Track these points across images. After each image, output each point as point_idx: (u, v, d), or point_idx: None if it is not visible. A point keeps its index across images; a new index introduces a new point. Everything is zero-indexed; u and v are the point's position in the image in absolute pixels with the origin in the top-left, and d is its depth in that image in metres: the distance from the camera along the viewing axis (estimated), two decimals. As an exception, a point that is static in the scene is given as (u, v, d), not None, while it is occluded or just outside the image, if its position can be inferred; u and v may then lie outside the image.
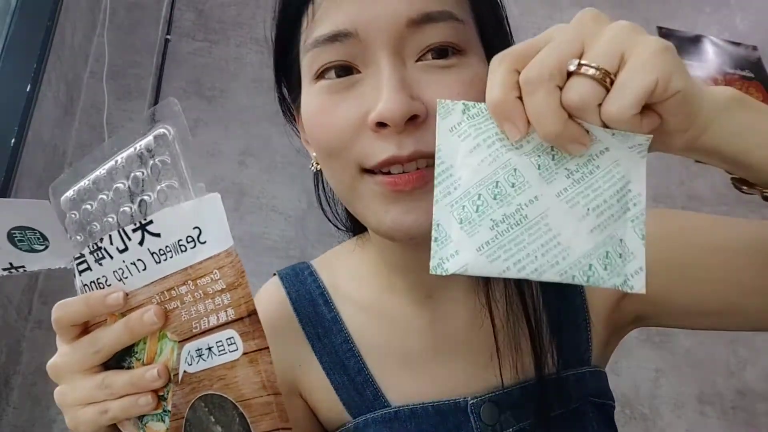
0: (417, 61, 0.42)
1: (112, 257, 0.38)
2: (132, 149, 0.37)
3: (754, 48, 2.41)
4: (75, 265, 0.40)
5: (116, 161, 0.38)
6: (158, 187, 0.36)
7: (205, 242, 0.35)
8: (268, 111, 1.78)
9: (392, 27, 0.41)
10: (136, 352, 0.38)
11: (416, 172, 0.41)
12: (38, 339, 1.33)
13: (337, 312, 0.55)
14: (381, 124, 0.40)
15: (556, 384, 0.51)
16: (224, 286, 0.35)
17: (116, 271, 0.38)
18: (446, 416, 0.50)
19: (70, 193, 0.40)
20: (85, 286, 0.39)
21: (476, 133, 0.34)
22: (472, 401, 0.50)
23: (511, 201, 0.33)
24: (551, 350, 0.51)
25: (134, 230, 0.36)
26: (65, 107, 1.47)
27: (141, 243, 0.36)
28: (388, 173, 0.42)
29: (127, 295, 0.38)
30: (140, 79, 1.64)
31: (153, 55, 1.68)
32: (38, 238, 0.39)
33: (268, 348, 0.35)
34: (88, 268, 0.39)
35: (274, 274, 0.61)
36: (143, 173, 0.37)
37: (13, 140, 1.19)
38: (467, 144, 0.34)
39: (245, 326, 0.34)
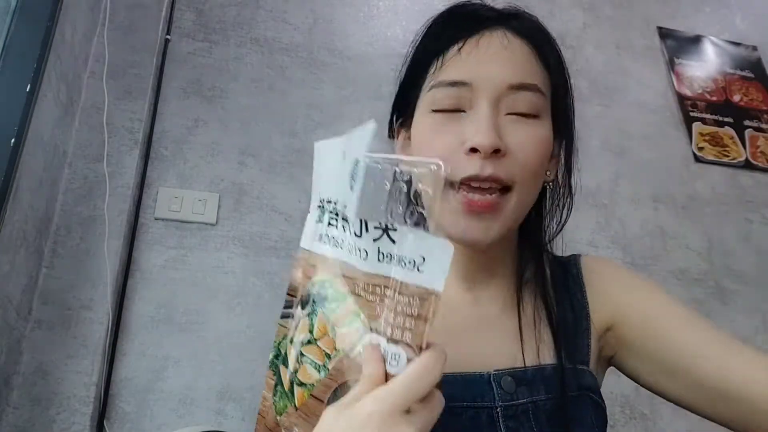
0: (507, 114, 0.59)
1: (344, 232, 0.45)
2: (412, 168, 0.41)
3: (754, 48, 2.41)
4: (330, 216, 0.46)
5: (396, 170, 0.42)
6: (418, 210, 0.41)
7: (422, 272, 0.39)
8: (268, 111, 1.78)
9: (497, 86, 0.58)
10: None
11: (490, 198, 0.56)
12: (38, 339, 1.33)
13: None
14: (474, 150, 0.56)
15: (562, 371, 0.60)
16: (415, 314, 0.39)
17: (349, 246, 0.44)
18: (473, 384, 0.59)
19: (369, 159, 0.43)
20: (324, 236, 0.47)
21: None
22: (494, 373, 0.59)
23: None
24: (563, 344, 0.62)
25: (376, 228, 0.42)
26: (65, 107, 1.47)
27: (375, 240, 0.42)
28: (468, 190, 0.57)
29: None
30: (140, 79, 1.64)
31: (153, 55, 1.68)
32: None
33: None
34: (336, 226, 0.46)
35: None
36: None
37: (13, 140, 1.19)
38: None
39: (414, 354, 0.39)
